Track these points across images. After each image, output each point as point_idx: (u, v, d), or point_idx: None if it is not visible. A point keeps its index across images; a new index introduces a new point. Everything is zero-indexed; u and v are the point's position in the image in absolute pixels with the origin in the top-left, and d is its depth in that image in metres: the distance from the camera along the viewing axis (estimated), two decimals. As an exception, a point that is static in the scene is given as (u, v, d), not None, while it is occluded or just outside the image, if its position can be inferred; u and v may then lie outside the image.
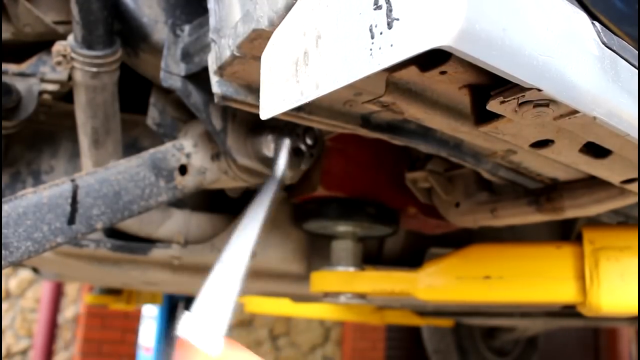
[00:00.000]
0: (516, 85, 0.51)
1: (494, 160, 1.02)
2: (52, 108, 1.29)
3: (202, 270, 1.56)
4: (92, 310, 4.61)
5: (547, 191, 1.15)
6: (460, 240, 1.60)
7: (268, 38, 0.64)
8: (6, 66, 1.11)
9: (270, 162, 1.12)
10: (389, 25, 0.46)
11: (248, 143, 1.09)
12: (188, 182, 1.09)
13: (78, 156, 1.33)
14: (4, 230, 0.86)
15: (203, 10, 1.00)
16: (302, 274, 1.60)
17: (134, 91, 1.26)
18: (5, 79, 1.10)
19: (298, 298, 2.39)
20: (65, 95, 1.18)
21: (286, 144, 1.01)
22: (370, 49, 0.47)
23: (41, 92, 1.12)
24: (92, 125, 1.12)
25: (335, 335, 5.93)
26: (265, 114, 0.63)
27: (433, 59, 0.54)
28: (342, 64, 0.51)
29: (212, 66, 0.83)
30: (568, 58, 0.52)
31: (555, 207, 1.13)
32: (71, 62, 1.02)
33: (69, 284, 4.82)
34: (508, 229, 1.48)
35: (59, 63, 1.03)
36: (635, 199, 1.05)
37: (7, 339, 4.66)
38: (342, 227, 1.42)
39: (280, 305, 2.69)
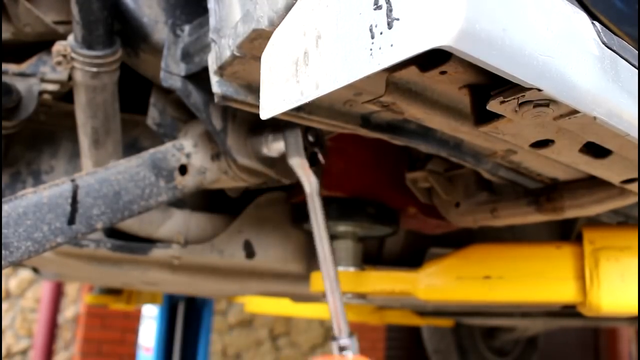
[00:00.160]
0: (516, 85, 0.51)
1: (494, 160, 1.02)
2: (52, 108, 1.29)
3: (202, 270, 1.57)
4: (92, 310, 4.61)
5: (547, 191, 1.15)
6: (460, 240, 1.60)
7: (268, 38, 0.64)
8: (6, 66, 1.11)
9: (269, 162, 1.12)
10: (389, 25, 0.46)
11: (248, 143, 1.09)
12: (188, 182, 1.09)
13: (78, 156, 1.33)
14: (4, 230, 0.86)
15: (203, 10, 1.00)
16: (302, 274, 1.60)
17: (134, 91, 1.26)
18: (5, 79, 1.10)
19: (298, 298, 2.39)
20: (65, 95, 1.18)
21: (305, 163, 1.04)
22: (370, 49, 0.47)
23: (41, 92, 1.12)
24: (92, 125, 1.12)
25: (335, 335, 5.92)
26: (265, 114, 0.63)
27: (433, 59, 0.54)
28: (342, 64, 0.51)
29: (212, 66, 0.83)
30: (568, 58, 0.52)
31: (555, 207, 1.13)
32: (71, 62, 1.02)
33: (69, 284, 4.82)
34: (508, 229, 1.49)
35: (59, 63, 1.03)
36: (635, 199, 1.05)
37: (7, 339, 4.66)
38: (342, 227, 1.43)
39: (280, 305, 2.69)
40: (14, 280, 4.75)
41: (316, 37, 0.55)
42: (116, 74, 1.06)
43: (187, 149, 1.10)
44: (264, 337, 5.56)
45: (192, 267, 1.53)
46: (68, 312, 4.86)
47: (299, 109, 0.81)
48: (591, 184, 1.07)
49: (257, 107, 0.82)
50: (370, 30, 0.47)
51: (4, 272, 4.15)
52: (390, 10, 0.46)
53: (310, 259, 1.61)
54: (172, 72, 0.97)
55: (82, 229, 0.94)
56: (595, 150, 0.76)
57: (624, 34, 0.75)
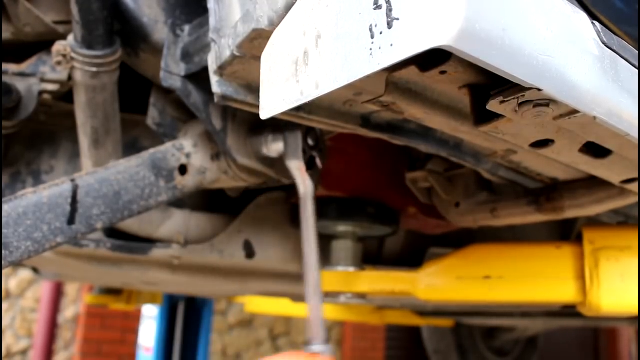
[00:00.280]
0: (516, 85, 0.51)
1: (494, 160, 1.02)
2: (52, 108, 1.29)
3: (202, 270, 1.57)
4: (92, 310, 4.61)
5: (547, 191, 1.15)
6: (460, 240, 1.60)
7: (268, 38, 0.64)
8: (6, 66, 1.11)
9: (269, 162, 1.12)
10: (389, 25, 0.46)
11: (248, 143, 1.09)
12: (188, 182, 1.09)
13: (78, 156, 1.33)
14: (4, 230, 0.86)
15: (203, 10, 1.00)
16: (302, 274, 1.60)
17: (134, 91, 1.26)
18: (5, 79, 1.10)
19: (298, 298, 2.39)
20: (65, 95, 1.18)
21: (302, 166, 1.04)
22: (370, 49, 0.47)
23: (41, 92, 1.12)
24: (92, 125, 1.12)
25: (335, 335, 5.93)
26: (265, 113, 0.63)
27: (433, 58, 0.54)
28: (342, 63, 0.51)
29: (212, 66, 0.83)
30: (568, 58, 0.52)
31: (555, 207, 1.13)
32: (71, 62, 1.02)
33: (69, 284, 4.82)
34: (508, 229, 1.49)
35: (59, 63, 1.03)
36: (635, 199, 1.05)
37: (7, 339, 4.65)
38: (342, 227, 1.42)
39: (280, 305, 2.69)
40: (14, 280, 4.75)
41: (316, 37, 0.55)
42: (116, 74, 1.06)
43: (187, 149, 1.10)
44: (264, 337, 5.56)
45: (192, 267, 1.53)
46: (68, 312, 4.86)
47: (299, 109, 0.81)
48: (591, 184, 1.07)
49: (257, 107, 0.82)
50: (370, 30, 0.47)
51: (4, 272, 4.15)
52: (390, 10, 0.46)
53: (310, 259, 1.61)
54: (172, 72, 0.97)
55: (82, 229, 0.94)
56: (595, 150, 0.76)
57: (624, 34, 0.75)
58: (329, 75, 0.52)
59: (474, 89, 0.60)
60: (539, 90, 0.49)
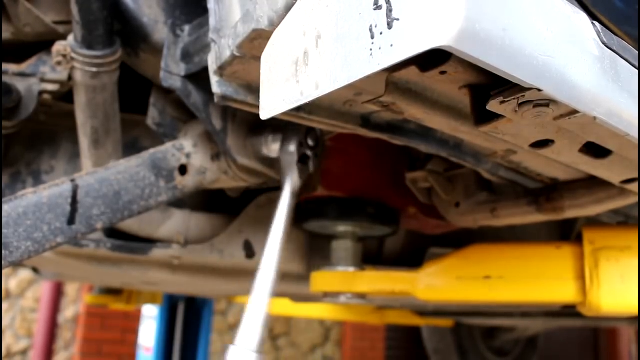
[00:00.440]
0: (516, 85, 0.51)
1: (494, 160, 1.02)
2: (52, 108, 1.29)
3: (202, 270, 1.57)
4: (92, 310, 4.61)
5: (547, 191, 1.15)
6: (460, 240, 1.60)
7: (268, 38, 0.64)
8: (6, 66, 1.11)
9: (269, 162, 1.12)
10: (389, 26, 0.46)
11: (248, 143, 1.09)
12: (188, 182, 1.09)
13: (78, 156, 1.33)
14: (4, 230, 0.86)
15: (203, 10, 1.00)
16: (302, 274, 1.60)
17: (134, 91, 1.26)
18: (5, 79, 1.10)
19: (298, 298, 2.39)
20: (65, 95, 1.18)
21: (294, 157, 1.02)
22: (370, 49, 0.47)
23: (41, 92, 1.12)
24: (92, 125, 1.12)
25: (335, 335, 5.93)
26: (265, 114, 0.63)
27: (433, 59, 0.54)
28: (342, 64, 0.51)
29: (212, 66, 0.83)
30: (568, 58, 0.52)
31: (555, 207, 1.13)
32: (71, 62, 1.02)
33: (69, 284, 4.82)
34: (508, 229, 1.48)
35: (59, 63, 1.03)
36: (635, 199, 1.05)
37: (7, 339, 4.66)
38: (342, 227, 1.42)
39: (280, 305, 2.69)
40: (14, 280, 4.75)
41: (316, 37, 0.55)
42: (116, 74, 1.06)
43: (187, 149, 1.10)
44: (264, 337, 5.56)
45: (192, 267, 1.53)
46: (68, 312, 4.86)
47: (299, 109, 0.81)
48: (591, 184, 1.07)
49: (257, 107, 0.82)
50: (370, 30, 0.48)
51: (4, 272, 4.15)
52: (390, 11, 0.46)
53: (310, 259, 1.61)
54: (172, 72, 0.97)
55: (82, 229, 0.94)
56: (595, 150, 0.76)
57: (624, 34, 0.75)
58: (329, 76, 0.52)
59: (474, 89, 0.60)
60: (539, 90, 0.49)
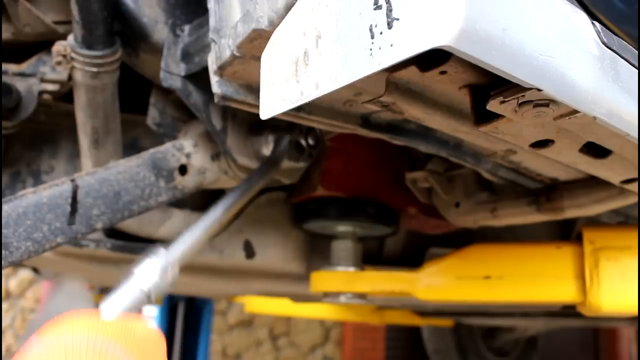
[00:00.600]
0: (516, 85, 0.51)
1: (494, 160, 1.02)
2: (52, 108, 1.29)
3: (202, 270, 1.57)
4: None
5: (547, 191, 1.15)
6: (460, 240, 1.60)
7: (268, 38, 0.64)
8: (6, 66, 1.11)
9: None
10: (389, 25, 0.46)
11: (248, 143, 1.09)
12: (188, 182, 1.09)
13: (78, 156, 1.33)
14: (4, 230, 0.86)
15: (203, 10, 1.00)
16: (302, 274, 1.60)
17: (134, 91, 1.26)
18: (5, 79, 1.10)
19: (298, 298, 2.39)
20: (65, 95, 1.18)
21: (287, 136, 1.02)
22: (370, 49, 0.47)
23: (41, 92, 1.12)
24: (92, 125, 1.12)
25: (335, 335, 5.93)
26: (265, 114, 0.63)
27: (433, 59, 0.54)
28: (342, 64, 0.51)
29: (212, 66, 0.83)
30: (568, 58, 0.52)
31: (555, 207, 1.13)
32: (71, 62, 1.02)
33: (69, 284, 4.81)
34: (508, 229, 1.48)
35: (59, 63, 1.03)
36: (635, 199, 1.05)
37: (7, 339, 4.65)
38: (342, 227, 1.43)
39: (280, 305, 2.69)
40: (14, 280, 4.75)
41: (316, 37, 0.55)
42: (116, 74, 1.06)
43: (187, 149, 1.10)
44: (264, 337, 5.56)
45: (192, 267, 1.53)
46: (68, 312, 4.86)
47: (299, 109, 0.81)
48: (591, 184, 1.07)
49: (257, 107, 0.81)
50: (370, 30, 0.47)
51: (4, 272, 4.15)
52: (390, 10, 0.46)
53: (310, 259, 1.61)
54: (172, 72, 0.97)
55: (82, 229, 0.94)
56: (595, 150, 0.76)
57: (624, 34, 0.75)
58: (329, 76, 0.52)
59: (474, 89, 0.60)
60: (539, 90, 0.49)
